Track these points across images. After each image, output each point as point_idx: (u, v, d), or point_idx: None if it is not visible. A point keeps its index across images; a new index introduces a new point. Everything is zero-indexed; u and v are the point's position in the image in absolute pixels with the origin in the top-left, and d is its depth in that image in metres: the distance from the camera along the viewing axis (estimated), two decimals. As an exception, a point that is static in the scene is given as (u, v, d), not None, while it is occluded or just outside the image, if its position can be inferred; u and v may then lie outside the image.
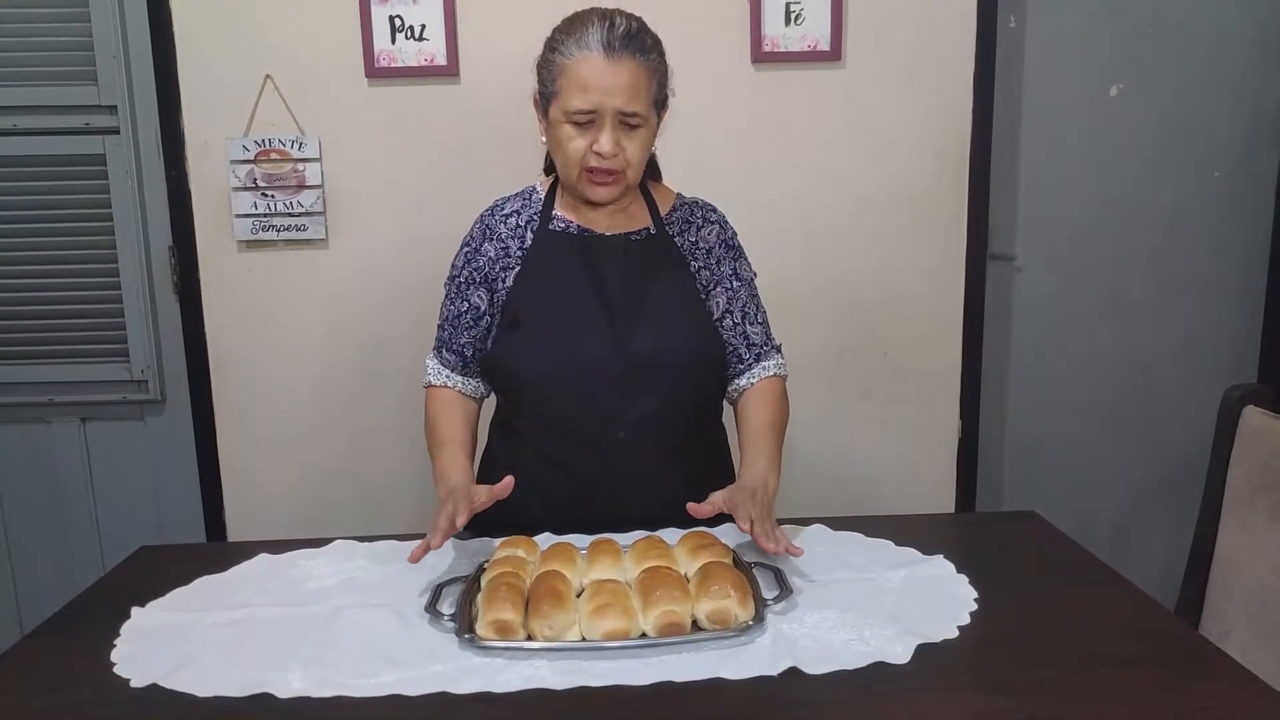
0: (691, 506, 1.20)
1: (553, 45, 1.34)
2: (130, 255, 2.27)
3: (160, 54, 2.11)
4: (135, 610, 1.17)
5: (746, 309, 1.48)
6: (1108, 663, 1.01)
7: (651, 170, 1.52)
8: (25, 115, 2.21)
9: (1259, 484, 1.32)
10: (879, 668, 1.00)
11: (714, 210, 1.52)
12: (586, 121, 1.31)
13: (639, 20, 1.35)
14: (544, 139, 1.41)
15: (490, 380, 1.49)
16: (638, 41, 1.32)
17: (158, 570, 1.31)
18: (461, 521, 1.18)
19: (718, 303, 1.46)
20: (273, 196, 2.12)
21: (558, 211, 1.45)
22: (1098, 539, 2.31)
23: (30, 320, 2.31)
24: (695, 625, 1.07)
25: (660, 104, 1.39)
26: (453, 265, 1.49)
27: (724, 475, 1.52)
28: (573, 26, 1.33)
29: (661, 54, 1.37)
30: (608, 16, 1.32)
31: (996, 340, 2.45)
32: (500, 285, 1.44)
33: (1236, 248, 2.50)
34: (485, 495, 1.23)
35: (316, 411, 2.23)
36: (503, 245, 1.44)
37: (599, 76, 1.29)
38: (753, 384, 1.47)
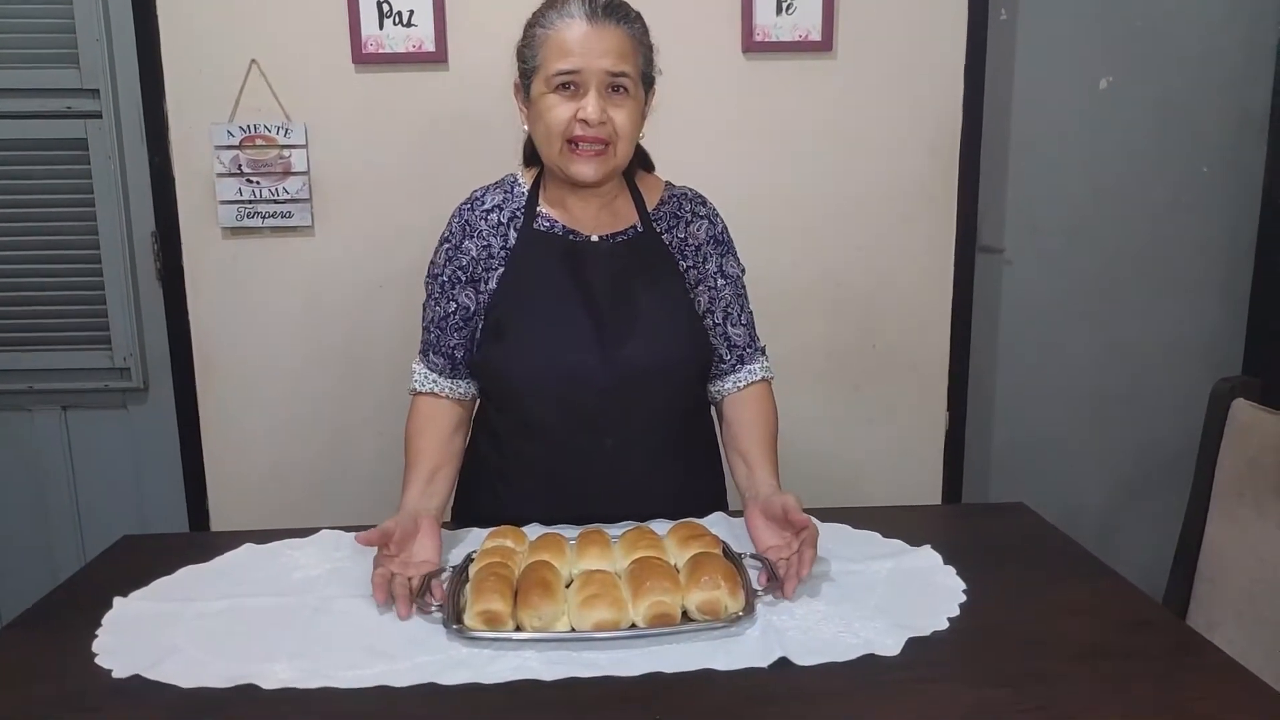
0: (795, 517, 1.19)
1: (533, 22, 1.31)
2: (112, 241, 2.24)
3: (144, 37, 2.08)
4: (117, 600, 1.16)
5: (730, 309, 1.44)
6: (1098, 654, 1.01)
7: (643, 161, 1.48)
8: (5, 98, 2.18)
9: (1247, 477, 1.32)
10: (869, 660, 1.00)
11: (704, 203, 1.47)
12: (570, 87, 1.26)
13: None
14: (525, 127, 1.36)
15: (474, 380, 1.45)
16: (621, 10, 1.29)
17: (140, 560, 1.29)
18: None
19: (699, 301, 1.42)
20: (258, 183, 2.10)
21: (542, 209, 1.39)
22: (1084, 532, 2.30)
23: (10, 307, 2.28)
24: (685, 616, 1.06)
25: (647, 81, 1.34)
26: (432, 264, 1.42)
27: (713, 476, 1.51)
28: (553, 1, 1.30)
29: (646, 29, 1.33)
30: None
31: (984, 334, 2.45)
32: (484, 286, 1.38)
33: (1223, 242, 2.51)
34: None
35: (301, 399, 2.21)
36: (484, 243, 1.38)
37: (583, 39, 1.25)
38: (739, 388, 1.44)
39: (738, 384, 1.44)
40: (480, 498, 1.45)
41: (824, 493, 2.18)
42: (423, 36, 2.07)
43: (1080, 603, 1.14)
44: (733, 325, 1.44)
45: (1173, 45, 2.39)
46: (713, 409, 1.50)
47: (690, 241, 1.43)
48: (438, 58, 2.08)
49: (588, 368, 1.32)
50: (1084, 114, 2.42)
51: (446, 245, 1.41)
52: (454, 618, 1.06)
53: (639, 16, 1.33)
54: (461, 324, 1.40)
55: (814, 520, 1.20)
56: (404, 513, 1.25)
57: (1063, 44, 2.37)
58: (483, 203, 1.42)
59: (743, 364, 1.44)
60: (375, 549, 1.18)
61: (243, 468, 2.23)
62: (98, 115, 2.19)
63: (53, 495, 2.38)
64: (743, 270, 1.49)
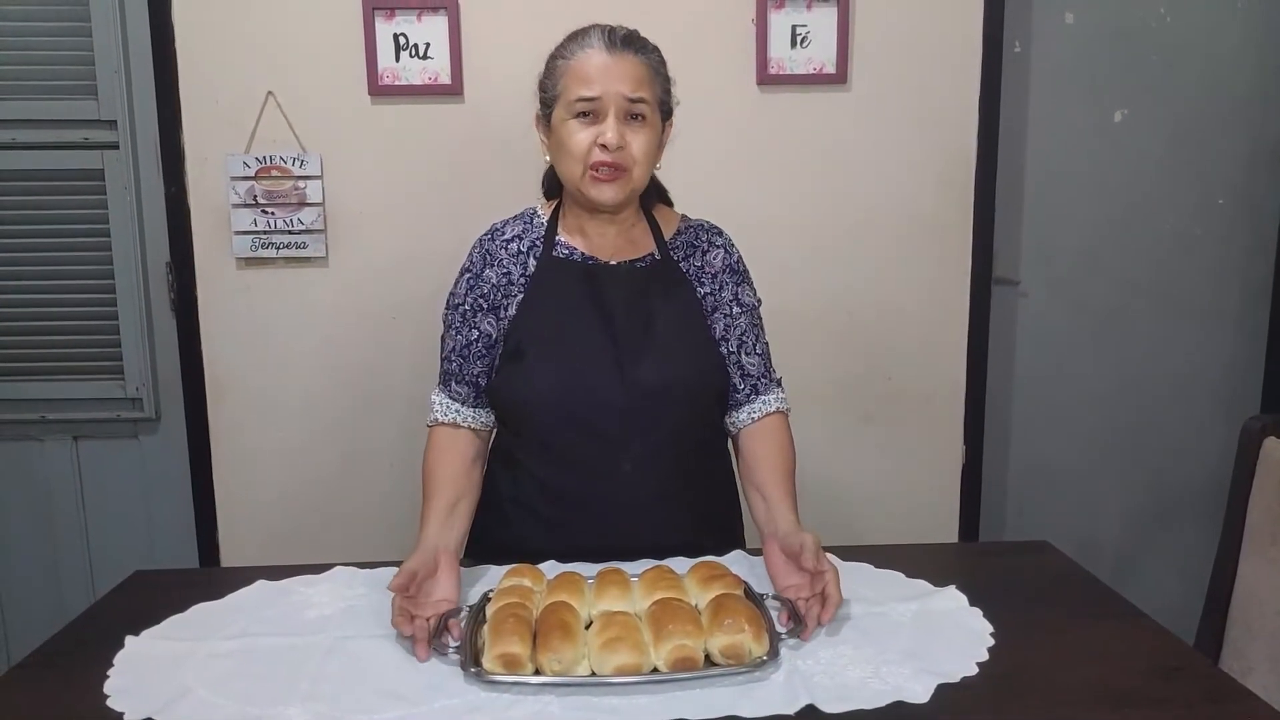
0: (807, 563, 1.17)
1: (554, 54, 1.36)
2: (127, 271, 2.24)
3: (161, 69, 2.09)
4: (129, 639, 1.14)
5: (745, 338, 1.44)
6: (1132, 702, 0.99)
7: (659, 194, 1.50)
8: (24, 129, 2.19)
9: None
10: (898, 707, 0.97)
11: (720, 234, 1.49)
12: (590, 114, 1.30)
13: (639, 32, 1.37)
14: (547, 158, 1.40)
15: (492, 409, 1.45)
16: (639, 42, 1.35)
17: (152, 596, 1.28)
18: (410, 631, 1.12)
19: (715, 328, 1.43)
20: (273, 214, 2.10)
21: (561, 236, 1.42)
22: (1101, 565, 2.28)
23: (24, 336, 2.27)
24: (708, 660, 1.04)
25: (665, 110, 1.38)
26: (453, 294, 1.44)
27: (729, 501, 1.50)
28: (575, 35, 1.36)
29: (663, 61, 1.38)
30: (608, 25, 1.35)
31: (1000, 365, 2.43)
32: (504, 312, 1.40)
33: (1239, 274, 2.50)
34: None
35: (313, 431, 2.20)
36: (504, 271, 1.40)
37: (602, 67, 1.30)
38: (754, 420, 1.43)
39: (752, 415, 1.43)
40: (495, 527, 1.44)
41: (838, 524, 2.18)
42: (438, 69, 2.08)
43: (1111, 646, 1.11)
44: (747, 354, 1.44)
45: (1186, 77, 2.39)
46: (729, 442, 1.49)
47: (707, 269, 1.44)
48: (453, 90, 2.08)
49: (605, 388, 1.33)
50: (1098, 145, 2.41)
51: (467, 275, 1.43)
52: (472, 660, 1.03)
53: (656, 49, 1.38)
54: (484, 351, 1.41)
55: (834, 561, 1.18)
56: (424, 548, 1.24)
57: (1076, 76, 2.37)
58: (503, 233, 1.44)
59: (757, 394, 1.44)
60: (389, 583, 1.16)
61: (254, 498, 2.21)
62: (115, 146, 2.19)
63: (62, 525, 2.36)
64: (759, 301, 1.49)
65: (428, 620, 1.13)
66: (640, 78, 1.31)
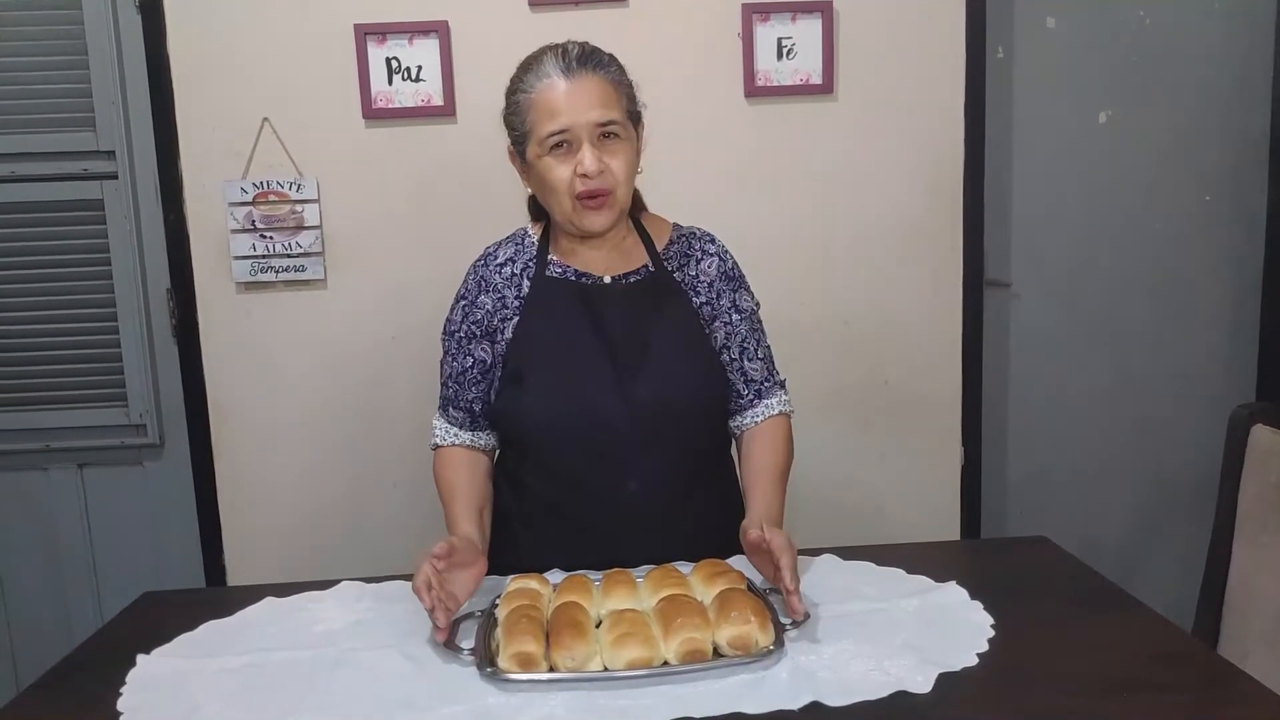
0: (752, 535, 1.20)
1: (514, 89, 1.35)
2: (128, 299, 2.26)
3: (158, 98, 2.12)
4: (140, 658, 1.15)
5: (746, 344, 1.44)
6: (1130, 688, 1.00)
7: (636, 201, 1.48)
8: (23, 162, 2.21)
9: (1271, 502, 1.32)
10: (901, 698, 0.99)
11: (712, 241, 1.48)
12: (564, 145, 1.29)
13: (590, 43, 1.35)
14: (529, 189, 1.40)
15: (494, 432, 1.46)
16: (594, 58, 1.32)
17: (162, 616, 1.29)
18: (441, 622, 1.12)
19: (715, 337, 1.43)
20: (271, 238, 2.13)
21: (553, 256, 1.41)
22: (1103, 564, 2.28)
23: (27, 366, 2.29)
24: (716, 652, 1.06)
25: (635, 118, 1.37)
26: (449, 320, 1.44)
27: (734, 511, 1.49)
28: (528, 65, 1.34)
29: (622, 69, 1.36)
30: (558, 46, 1.33)
31: (995, 367, 2.45)
32: (500, 336, 1.40)
33: (1230, 270, 2.52)
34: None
35: (316, 453, 2.21)
36: (499, 295, 1.40)
37: (565, 97, 1.28)
38: (757, 423, 1.44)
39: (755, 418, 1.44)
40: (503, 547, 1.44)
41: (839, 531, 2.18)
42: (431, 91, 2.11)
43: (1109, 636, 1.13)
44: (749, 360, 1.44)
45: (1170, 77, 2.42)
46: (733, 446, 1.50)
47: (702, 278, 1.44)
48: (446, 111, 2.11)
49: (607, 409, 1.33)
50: (1084, 147, 2.44)
51: (463, 302, 1.43)
52: (487, 661, 1.05)
53: (613, 59, 1.35)
54: (479, 378, 1.41)
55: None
56: (464, 539, 1.25)
57: (1060, 79, 2.40)
58: (495, 257, 1.44)
59: (760, 399, 1.45)
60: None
61: (259, 522, 2.22)
62: (114, 176, 2.22)
63: (69, 554, 2.36)
64: (757, 304, 1.49)
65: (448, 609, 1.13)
66: (606, 97, 1.30)
